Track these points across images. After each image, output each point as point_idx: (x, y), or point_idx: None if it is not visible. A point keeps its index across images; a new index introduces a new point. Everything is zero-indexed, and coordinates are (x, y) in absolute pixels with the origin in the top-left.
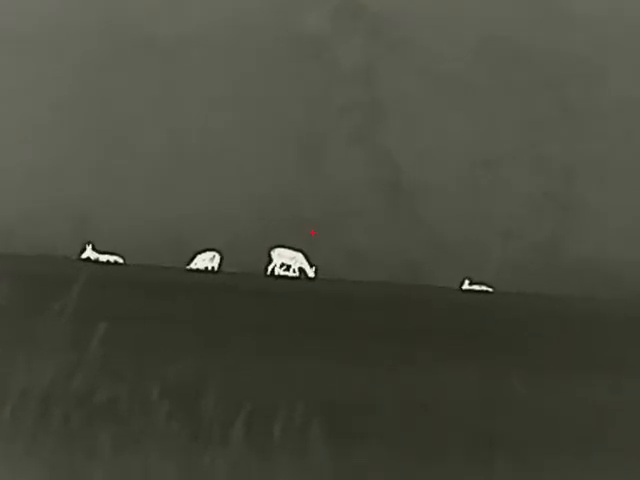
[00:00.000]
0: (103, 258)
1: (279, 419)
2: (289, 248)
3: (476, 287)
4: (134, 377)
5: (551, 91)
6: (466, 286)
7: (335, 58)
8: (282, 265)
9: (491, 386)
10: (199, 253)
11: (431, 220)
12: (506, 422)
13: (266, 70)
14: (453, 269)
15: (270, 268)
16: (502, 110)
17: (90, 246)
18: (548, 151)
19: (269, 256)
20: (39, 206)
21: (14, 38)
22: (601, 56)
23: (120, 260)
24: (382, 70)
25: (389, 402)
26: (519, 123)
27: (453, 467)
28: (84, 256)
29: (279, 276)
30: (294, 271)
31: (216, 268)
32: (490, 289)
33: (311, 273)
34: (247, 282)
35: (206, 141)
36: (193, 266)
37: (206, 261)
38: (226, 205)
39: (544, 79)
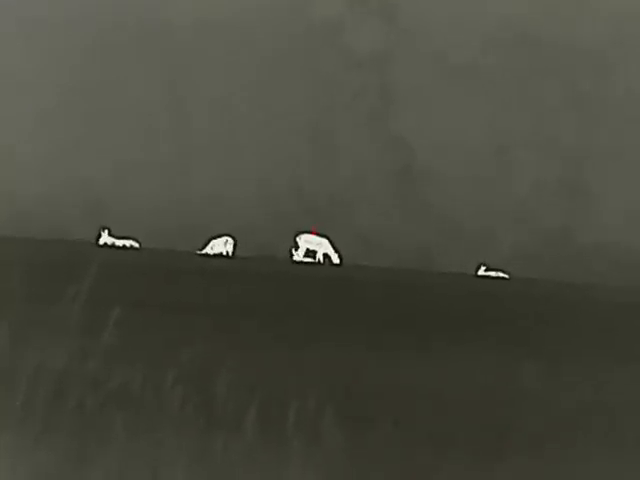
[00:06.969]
0: (119, 243)
1: (292, 405)
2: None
3: (492, 273)
4: (148, 362)
5: (563, 79)
6: (482, 272)
7: (348, 43)
8: (307, 251)
9: (505, 373)
10: (214, 238)
11: (444, 206)
12: (519, 409)
13: (280, 55)
14: (466, 255)
15: (295, 254)
16: (515, 97)
17: (106, 231)
18: (560, 138)
19: (295, 242)
20: (54, 190)
21: (28, 23)
22: (612, 46)
23: (136, 244)
24: (395, 56)
25: (403, 388)
26: (531, 110)
27: (466, 454)
28: (101, 241)
29: (299, 262)
30: (320, 256)
31: (230, 253)
32: (506, 275)
33: (336, 259)
34: (261, 267)
35: (220, 126)
36: (208, 251)
37: (220, 246)
38: (239, 190)
39: (556, 67)
